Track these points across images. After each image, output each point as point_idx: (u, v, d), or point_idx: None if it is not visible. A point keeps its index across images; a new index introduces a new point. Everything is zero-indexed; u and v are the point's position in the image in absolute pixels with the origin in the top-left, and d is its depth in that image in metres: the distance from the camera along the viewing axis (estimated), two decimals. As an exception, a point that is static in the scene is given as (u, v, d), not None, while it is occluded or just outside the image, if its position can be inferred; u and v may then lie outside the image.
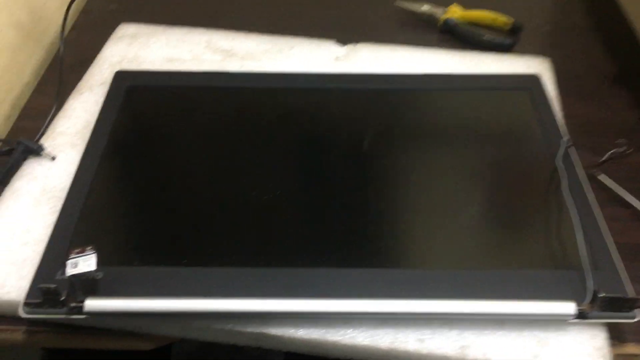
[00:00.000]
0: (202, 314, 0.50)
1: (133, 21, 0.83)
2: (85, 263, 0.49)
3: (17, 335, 0.53)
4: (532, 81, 0.73)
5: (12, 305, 0.51)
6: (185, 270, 0.53)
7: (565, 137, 0.65)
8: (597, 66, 0.82)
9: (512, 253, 0.55)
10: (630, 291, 0.51)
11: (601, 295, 0.49)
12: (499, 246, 0.56)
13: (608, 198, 0.64)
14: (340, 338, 0.50)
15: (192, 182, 0.61)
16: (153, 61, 0.76)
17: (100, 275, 0.51)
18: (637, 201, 0.63)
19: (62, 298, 0.48)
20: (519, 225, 0.58)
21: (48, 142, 0.65)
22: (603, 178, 0.65)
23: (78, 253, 0.50)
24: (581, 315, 0.50)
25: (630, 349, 0.53)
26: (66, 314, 0.49)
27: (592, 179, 0.65)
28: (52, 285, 0.48)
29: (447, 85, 0.73)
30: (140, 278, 0.52)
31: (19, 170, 0.62)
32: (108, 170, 0.61)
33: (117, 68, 0.74)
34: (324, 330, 0.51)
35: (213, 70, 0.74)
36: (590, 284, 0.51)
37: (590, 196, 0.59)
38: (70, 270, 0.49)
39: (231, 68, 0.75)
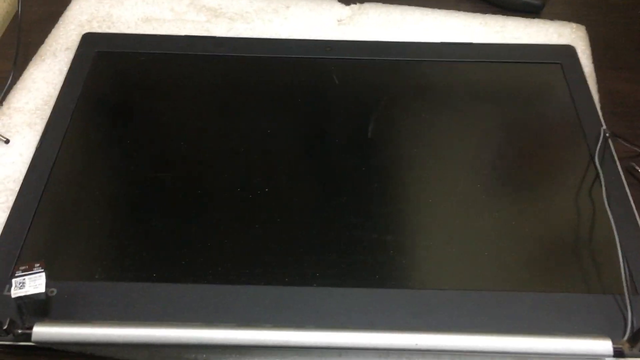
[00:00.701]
0: (170, 345, 0.42)
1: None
2: (32, 283, 0.41)
3: (-38, 355, 0.46)
4: (566, 53, 0.63)
5: (-47, 323, 0.44)
6: (154, 287, 0.45)
7: (604, 126, 0.56)
8: (639, 31, 0.72)
9: (537, 271, 0.47)
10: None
11: (645, 336, 0.41)
12: (523, 263, 0.48)
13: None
14: (333, 373, 0.43)
15: (169, 175, 0.52)
16: (128, 21, 0.66)
17: (54, 292, 0.44)
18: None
19: (5, 327, 0.41)
20: (545, 237, 0.49)
21: (2, 120, 0.57)
22: (644, 173, 0.56)
23: (25, 270, 0.42)
24: (618, 354, 0.42)
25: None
26: (12, 340, 0.42)
27: (631, 173, 0.57)
28: (-10, 315, 0.40)
29: (467, 57, 0.62)
30: (101, 296, 0.44)
31: (-34, 156, 0.54)
32: (70, 159, 0.53)
33: (86, 29, 0.64)
34: (314, 364, 0.43)
35: (197, 35, 0.64)
36: (629, 316, 0.43)
37: (631, 203, 0.51)
38: (15, 292, 0.41)
39: (218, 31, 0.65)
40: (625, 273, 0.45)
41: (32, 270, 0.42)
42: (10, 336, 0.42)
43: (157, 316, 0.44)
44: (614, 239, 0.47)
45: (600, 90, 0.63)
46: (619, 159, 0.55)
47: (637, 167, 0.57)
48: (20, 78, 0.61)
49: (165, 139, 0.55)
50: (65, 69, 0.60)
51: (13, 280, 0.42)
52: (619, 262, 0.46)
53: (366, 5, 0.69)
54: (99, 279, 0.45)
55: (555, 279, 0.47)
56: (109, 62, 0.61)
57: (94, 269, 0.46)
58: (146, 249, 0.47)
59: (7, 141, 0.55)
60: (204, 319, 0.43)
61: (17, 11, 0.65)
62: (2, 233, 0.48)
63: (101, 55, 0.61)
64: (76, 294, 0.44)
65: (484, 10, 0.71)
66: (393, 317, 0.44)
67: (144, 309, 0.44)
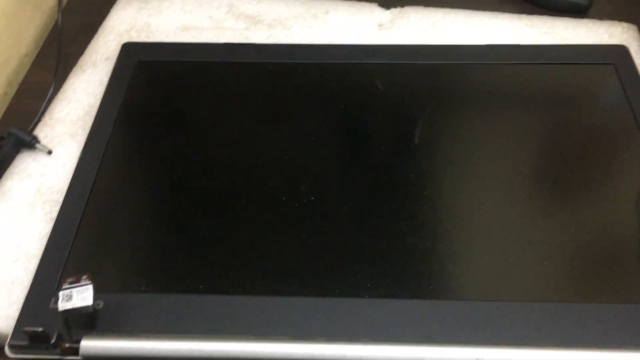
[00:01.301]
0: (220, 359, 0.41)
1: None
2: (79, 296, 0.40)
3: (8, 368, 0.45)
4: (618, 53, 0.61)
5: (0, 337, 0.44)
6: (202, 300, 0.44)
7: (664, 128, 0.53)
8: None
9: (599, 281, 0.45)
10: None
11: None
12: (582, 272, 0.45)
13: None
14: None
15: (214, 183, 0.51)
16: (166, 31, 0.65)
17: (100, 304, 0.43)
18: None
19: (52, 341, 0.40)
20: (606, 245, 0.47)
21: (44, 131, 0.56)
22: None
23: (72, 283, 0.41)
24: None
25: None
26: (59, 355, 0.41)
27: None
28: (39, 329, 0.39)
29: (515, 59, 0.60)
30: (148, 308, 0.43)
31: (10, 167, 0.53)
32: (113, 169, 0.52)
33: (125, 39, 0.64)
34: (369, 380, 0.41)
35: (236, 42, 0.63)
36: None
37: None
38: (62, 305, 0.40)
39: (257, 38, 0.64)
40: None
41: (79, 282, 0.41)
42: (58, 350, 0.41)
43: (205, 329, 0.42)
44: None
45: (655, 91, 0.60)
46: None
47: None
48: (61, 89, 0.60)
49: (209, 148, 0.54)
50: (105, 79, 0.60)
51: (60, 293, 0.41)
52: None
53: (407, 8, 0.68)
54: (146, 290, 0.44)
55: (619, 289, 0.44)
56: (150, 72, 0.60)
57: (140, 280, 0.45)
58: (192, 260, 0.46)
59: (49, 152, 0.54)
60: (252, 332, 0.42)
61: (57, 22, 0.65)
62: (46, 245, 0.47)
63: (141, 64, 0.60)
64: (123, 307, 0.43)
65: (529, 12, 0.68)
66: (450, 329, 0.42)
67: (192, 321, 0.43)
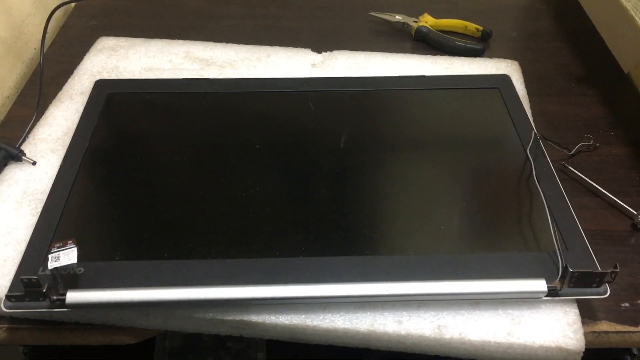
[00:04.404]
0: (182, 303, 0.50)
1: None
2: (66, 256, 0.50)
3: (-1, 333, 0.53)
4: (502, 80, 0.76)
5: (-6, 302, 0.52)
6: (167, 263, 0.53)
7: (535, 130, 0.67)
8: (565, 67, 0.85)
9: (487, 238, 0.57)
10: (599, 267, 0.53)
11: (571, 270, 0.50)
12: (474, 232, 0.58)
13: (578, 188, 0.67)
14: (319, 322, 0.51)
15: (172, 181, 0.62)
16: (133, 71, 0.78)
17: (81, 270, 0.52)
18: (604, 190, 0.65)
19: (44, 290, 0.49)
20: (493, 212, 0.59)
21: (29, 148, 0.66)
22: (573, 170, 0.67)
23: (59, 247, 0.50)
24: (552, 292, 0.51)
25: (602, 326, 0.54)
26: (48, 307, 0.50)
27: (563, 171, 0.68)
28: (34, 277, 0.48)
29: (421, 85, 0.75)
30: (122, 271, 0.53)
31: (-1, 175, 0.63)
32: (89, 172, 0.62)
33: (97, 78, 0.75)
34: (303, 316, 0.51)
35: (192, 77, 0.76)
36: (560, 262, 0.52)
37: (559, 183, 0.61)
38: (52, 264, 0.49)
39: (210, 76, 0.77)
40: (555, 233, 0.55)
41: (66, 246, 0.50)
42: (47, 302, 0.50)
43: (169, 285, 0.52)
44: (546, 208, 0.57)
45: (533, 109, 0.75)
46: (552, 161, 0.66)
47: (567, 165, 0.68)
48: (42, 117, 0.71)
49: (168, 155, 0.65)
50: (81, 108, 0.70)
51: (50, 255, 0.50)
52: (550, 225, 0.56)
53: (335, 52, 0.82)
54: (120, 259, 0.54)
55: (502, 243, 0.57)
56: (118, 101, 0.71)
57: (114, 251, 0.55)
58: (158, 234, 0.56)
59: (34, 163, 0.64)
60: (207, 284, 0.51)
61: (40, 65, 0.77)
62: (35, 228, 0.56)
63: (112, 95, 0.72)
64: (100, 272, 0.52)
65: (434, 54, 0.84)
66: (366, 275, 0.53)
67: (158, 280, 0.52)
